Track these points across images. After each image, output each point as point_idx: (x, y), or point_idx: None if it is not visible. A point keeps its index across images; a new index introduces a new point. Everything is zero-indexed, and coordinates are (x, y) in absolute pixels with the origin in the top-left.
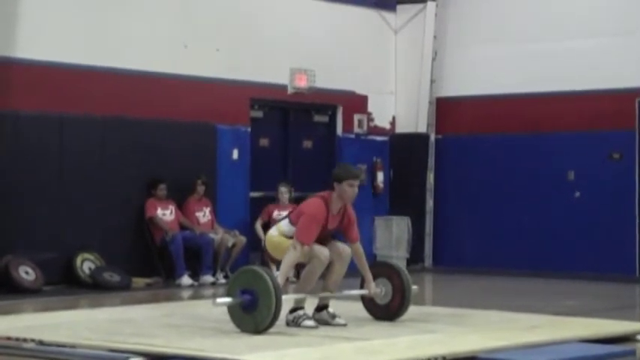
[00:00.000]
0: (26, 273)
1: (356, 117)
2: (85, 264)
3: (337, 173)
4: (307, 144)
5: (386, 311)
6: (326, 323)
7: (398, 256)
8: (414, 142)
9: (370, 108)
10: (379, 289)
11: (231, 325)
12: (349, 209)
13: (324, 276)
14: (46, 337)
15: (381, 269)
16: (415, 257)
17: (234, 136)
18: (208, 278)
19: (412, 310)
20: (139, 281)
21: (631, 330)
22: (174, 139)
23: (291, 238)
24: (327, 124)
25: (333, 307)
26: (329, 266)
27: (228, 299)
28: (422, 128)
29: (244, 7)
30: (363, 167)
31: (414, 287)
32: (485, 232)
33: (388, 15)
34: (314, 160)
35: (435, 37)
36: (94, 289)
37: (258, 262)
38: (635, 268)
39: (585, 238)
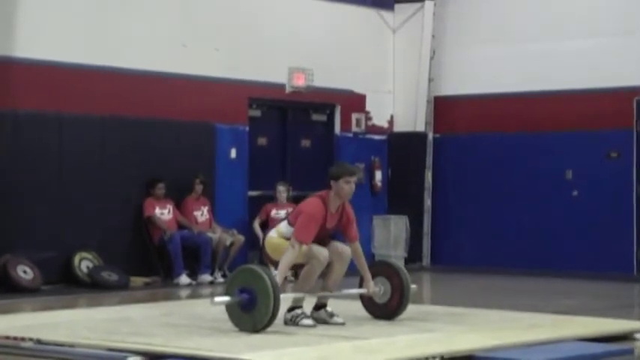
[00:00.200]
0: (24, 272)
1: (354, 116)
2: (84, 263)
3: (333, 171)
4: (305, 143)
5: (385, 310)
6: (324, 322)
7: (396, 255)
8: (412, 141)
9: (368, 107)
10: (378, 288)
11: (229, 324)
12: (348, 208)
13: (323, 275)
14: (45, 336)
15: (380, 268)
16: (413, 256)
17: (233, 136)
18: (206, 277)
19: (411, 309)
20: (137, 280)
21: (629, 329)
22: (172, 138)
23: (290, 239)
24: (326, 123)
25: (332, 306)
26: (329, 266)
27: (226, 298)
28: (420, 127)
29: (243, 6)
30: (361, 166)
31: (413, 286)
32: (483, 231)
33: (386, 14)
34: (312, 159)
35: (433, 36)
36: (93, 288)
37: (256, 261)
38: (633, 267)
39: (583, 237)
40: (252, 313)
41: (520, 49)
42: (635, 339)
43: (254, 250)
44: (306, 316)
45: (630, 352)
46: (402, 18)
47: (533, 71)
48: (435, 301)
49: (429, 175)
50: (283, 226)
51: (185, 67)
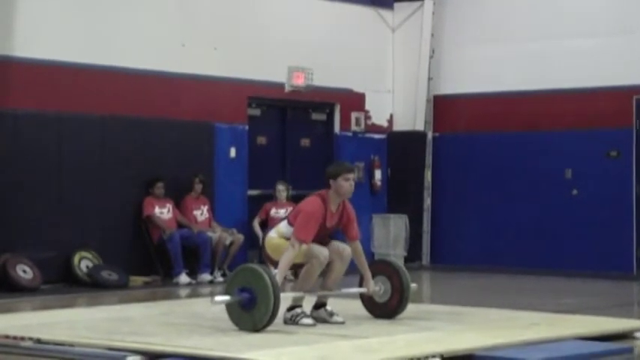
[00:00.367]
0: (24, 272)
1: (353, 115)
2: (83, 262)
3: (331, 170)
4: (305, 142)
5: (384, 309)
6: (324, 321)
7: (395, 254)
8: (411, 140)
9: (368, 106)
10: (378, 288)
11: (229, 324)
12: (348, 207)
13: (323, 274)
14: (44, 335)
15: (380, 267)
16: (413, 255)
17: (232, 135)
18: (206, 276)
19: (410, 308)
20: (136, 280)
21: (629, 327)
22: (171, 137)
23: (290, 239)
24: (325, 122)
25: (332, 305)
26: (329, 265)
27: (226, 297)
28: (419, 126)
29: (242, 5)
30: (361, 165)
31: (413, 285)
32: (482, 230)
33: (385, 13)
34: (312, 158)
35: (432, 35)
36: (92, 287)
37: (256, 260)
38: (632, 266)
39: (583, 236)
40: (252, 312)
41: (520, 49)
42: (634, 338)
43: (254, 249)
44: (306, 315)
45: (630, 350)
46: (401, 17)
47: (532, 70)
48: (434, 300)
49: (428, 174)
50: (283, 226)
51: (184, 66)
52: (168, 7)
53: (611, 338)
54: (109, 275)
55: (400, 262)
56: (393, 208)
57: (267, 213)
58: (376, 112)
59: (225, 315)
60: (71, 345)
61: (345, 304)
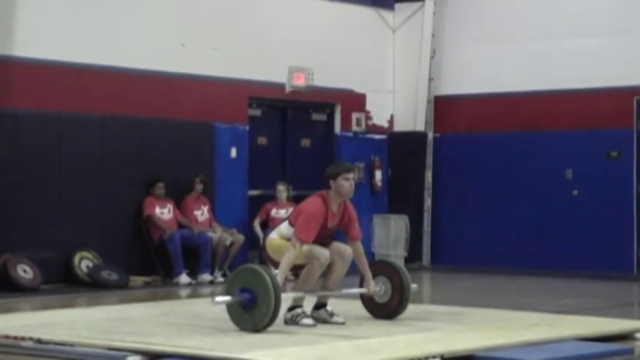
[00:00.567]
0: (24, 271)
1: (354, 115)
2: (83, 262)
3: (330, 171)
4: (305, 142)
5: (385, 310)
6: (324, 321)
7: (396, 254)
8: (412, 140)
9: (368, 106)
10: (378, 288)
11: (229, 324)
12: (350, 207)
13: (324, 275)
14: (44, 335)
15: (381, 268)
16: (413, 256)
17: (233, 135)
18: (206, 277)
19: (410, 308)
20: (137, 280)
21: (629, 328)
22: (172, 137)
23: (291, 240)
24: (325, 123)
25: (332, 305)
26: (330, 266)
27: (227, 298)
28: (420, 127)
29: (242, 5)
30: (361, 165)
31: (414, 286)
32: (483, 231)
33: (386, 13)
34: (312, 159)
35: (433, 35)
36: (92, 287)
37: (256, 260)
38: (633, 266)
39: (583, 237)
40: (252, 312)
41: (520, 49)
42: (635, 338)
43: (254, 249)
44: (307, 316)
45: (630, 351)
46: (402, 17)
47: (533, 71)
48: (434, 301)
49: (429, 175)
50: (284, 227)
51: (185, 66)
52: (168, 7)
53: (611, 339)
54: (109, 275)
55: (400, 263)
56: (393, 208)
57: (268, 213)
58: (377, 113)
59: (225, 315)
60: (71, 345)
61: (346, 305)
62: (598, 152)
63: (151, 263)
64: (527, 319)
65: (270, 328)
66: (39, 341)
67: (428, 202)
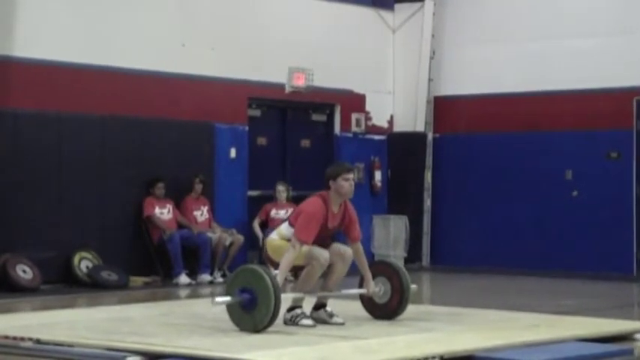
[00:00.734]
0: (24, 272)
1: (354, 116)
2: (83, 263)
3: (330, 171)
4: (305, 143)
5: (384, 310)
6: (324, 322)
7: (395, 255)
8: (411, 141)
9: (368, 107)
10: (378, 289)
11: (229, 324)
12: (350, 208)
13: (324, 275)
14: (44, 335)
15: (380, 268)
16: (413, 256)
17: (232, 135)
18: (206, 277)
19: (410, 309)
20: (136, 280)
21: (629, 329)
22: (172, 137)
23: (290, 240)
24: (325, 123)
25: (332, 306)
26: (330, 266)
27: (227, 298)
28: (420, 127)
29: (242, 5)
30: (361, 166)
31: (413, 286)
32: (482, 231)
33: (386, 14)
34: (312, 159)
35: (432, 35)
36: (92, 287)
37: (256, 260)
38: (633, 267)
39: (583, 237)
40: (252, 313)
41: (520, 49)
42: (634, 339)
43: (254, 250)
44: (306, 316)
45: (630, 352)
46: (401, 18)
47: (533, 71)
48: (434, 301)
49: (428, 175)
50: (284, 228)
51: (184, 66)
52: (168, 7)
53: (611, 340)
54: (108, 275)
55: (400, 263)
56: (393, 209)
57: (267, 214)
58: (376, 113)
59: (225, 316)
60: (71, 345)
61: (345, 305)
62: (598, 153)
63: (151, 263)
64: (527, 320)
65: (270, 329)
66: (38, 341)
67: (428, 202)
